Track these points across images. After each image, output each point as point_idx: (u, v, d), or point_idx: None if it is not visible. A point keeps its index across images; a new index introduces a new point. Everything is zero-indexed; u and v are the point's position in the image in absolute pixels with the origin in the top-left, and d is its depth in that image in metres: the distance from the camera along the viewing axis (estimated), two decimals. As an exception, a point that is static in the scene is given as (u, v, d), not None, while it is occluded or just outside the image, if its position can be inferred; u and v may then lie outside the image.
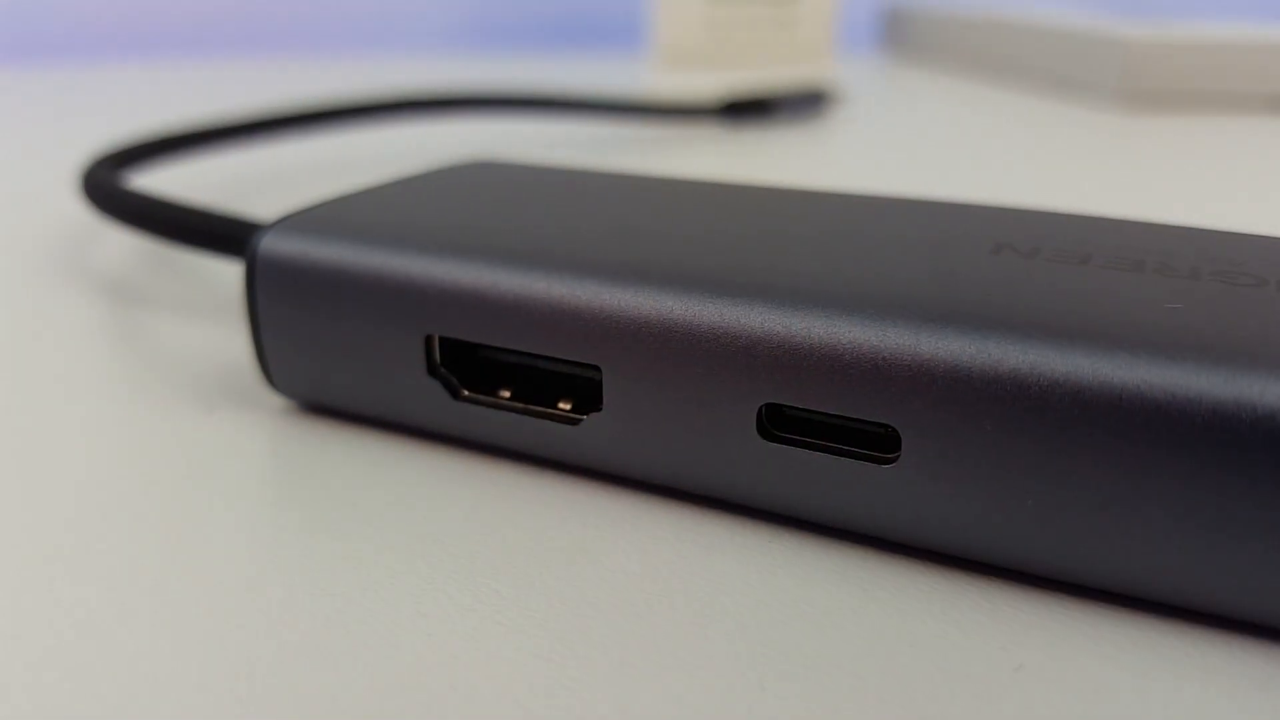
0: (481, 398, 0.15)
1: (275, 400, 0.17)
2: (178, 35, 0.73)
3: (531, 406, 0.15)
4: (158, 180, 0.29)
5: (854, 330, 0.12)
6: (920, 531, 0.12)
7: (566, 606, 0.12)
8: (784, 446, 0.13)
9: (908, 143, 0.44)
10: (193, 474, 0.15)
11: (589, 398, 0.14)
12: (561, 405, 0.14)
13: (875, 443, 0.12)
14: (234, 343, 0.20)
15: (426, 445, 0.16)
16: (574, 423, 0.14)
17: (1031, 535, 0.12)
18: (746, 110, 0.45)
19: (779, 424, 0.13)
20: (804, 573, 0.13)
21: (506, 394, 0.15)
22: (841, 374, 0.12)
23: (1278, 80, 0.51)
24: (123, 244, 0.27)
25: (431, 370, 0.15)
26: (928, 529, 0.12)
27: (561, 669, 0.11)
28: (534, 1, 0.76)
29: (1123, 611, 0.12)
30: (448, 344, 0.15)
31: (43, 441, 0.16)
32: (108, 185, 0.21)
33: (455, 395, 0.15)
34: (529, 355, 0.14)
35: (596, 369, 0.14)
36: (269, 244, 0.16)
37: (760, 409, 0.13)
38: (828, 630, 0.12)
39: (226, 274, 0.24)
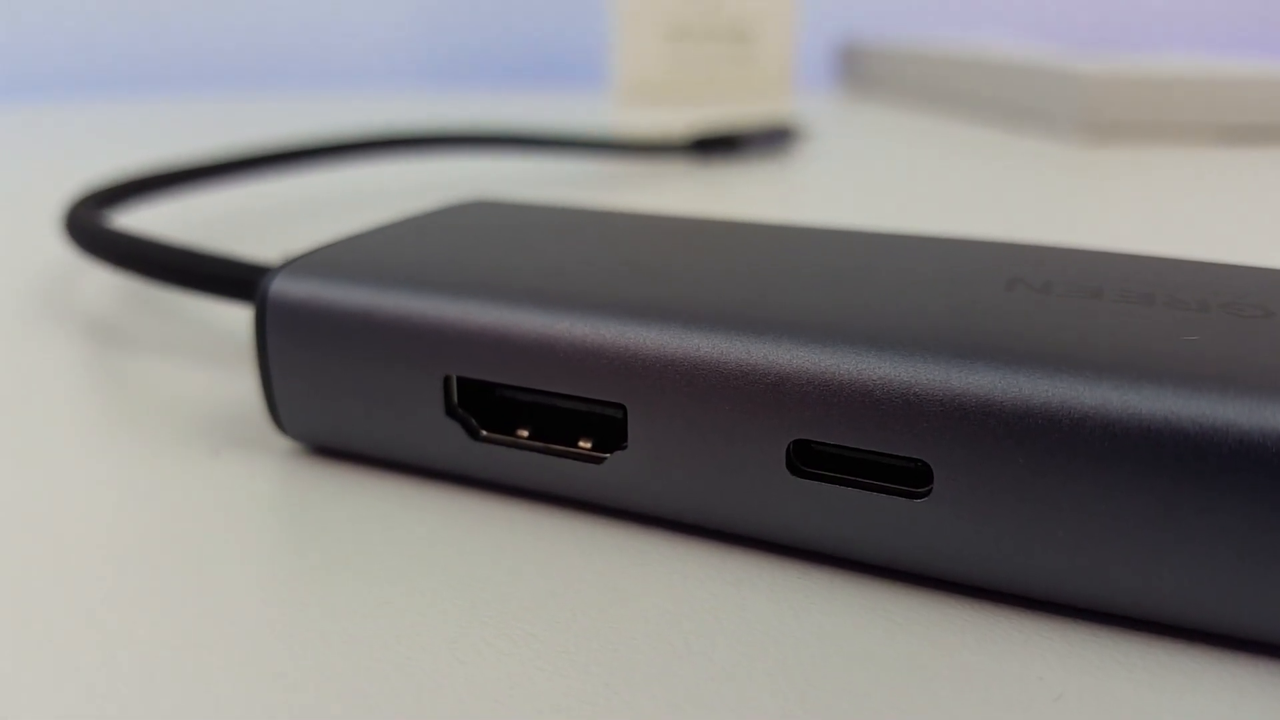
0: (501, 438, 0.15)
1: (282, 443, 0.17)
2: (138, 73, 0.73)
3: (553, 446, 0.14)
4: (138, 220, 0.29)
5: (884, 366, 0.12)
6: (952, 564, 0.13)
7: (605, 649, 0.12)
8: (814, 483, 0.13)
9: (876, 177, 0.44)
10: (206, 520, 0.15)
11: (611, 436, 0.14)
12: (582, 444, 0.14)
13: (906, 477, 0.13)
14: (230, 384, 0.19)
15: (443, 486, 0.16)
16: (597, 461, 0.14)
17: (1063, 565, 0.12)
18: (715, 147, 0.46)
19: (808, 460, 0.13)
20: (838, 609, 0.13)
21: (525, 433, 0.15)
22: (872, 409, 0.12)
23: (1230, 111, 0.53)
24: (105, 284, 0.26)
25: (450, 411, 0.15)
26: (959, 562, 0.12)
27: (608, 713, 0.11)
28: (495, 38, 0.77)
29: (1157, 638, 0.12)
30: (466, 384, 0.15)
31: (44, 490, 0.16)
32: (98, 226, 0.21)
33: (474, 436, 0.15)
34: (550, 394, 0.14)
35: (620, 407, 0.14)
36: (280, 287, 0.16)
37: (789, 445, 0.13)
38: (867, 666, 0.12)
39: (213, 314, 0.23)
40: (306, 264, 0.16)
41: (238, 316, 0.23)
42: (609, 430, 0.14)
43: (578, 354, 0.14)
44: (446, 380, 0.15)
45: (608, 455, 0.14)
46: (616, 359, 0.13)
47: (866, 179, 0.44)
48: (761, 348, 0.13)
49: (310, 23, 0.74)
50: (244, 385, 0.19)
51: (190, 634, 0.12)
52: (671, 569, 0.13)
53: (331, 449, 0.16)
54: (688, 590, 0.13)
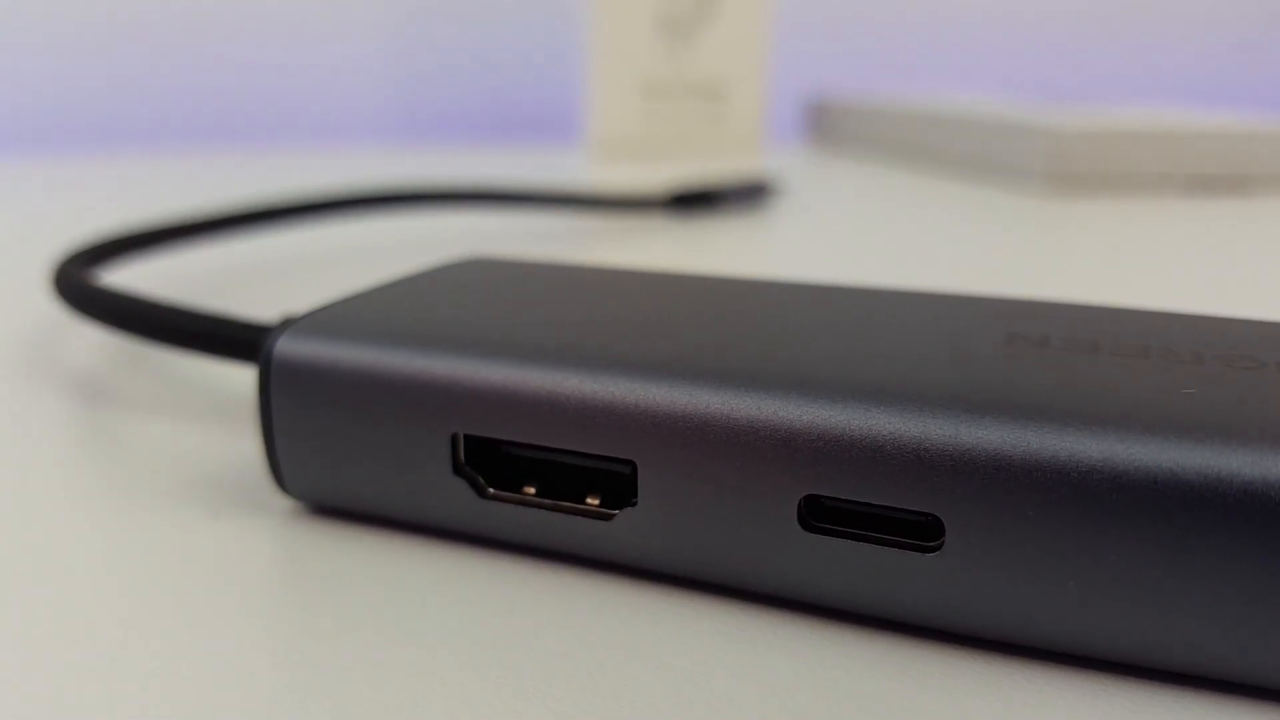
0: (508, 495, 0.15)
1: (283, 502, 0.17)
2: (123, 129, 0.73)
3: (561, 503, 0.15)
4: (127, 277, 0.29)
5: (894, 421, 0.12)
6: (965, 618, 0.13)
7: (626, 710, 0.12)
8: (826, 538, 0.13)
9: (852, 231, 0.45)
10: (207, 583, 0.14)
11: (619, 492, 0.14)
12: (590, 500, 0.14)
13: (917, 531, 0.13)
14: (225, 443, 0.19)
15: (450, 545, 0.16)
16: (606, 518, 0.14)
17: (1074, 617, 0.12)
18: (693, 202, 0.46)
19: (820, 515, 0.13)
20: (854, 665, 0.13)
21: (533, 491, 0.15)
22: (883, 464, 0.12)
23: (1195, 162, 0.54)
24: (93, 342, 0.26)
25: (457, 469, 0.15)
26: (972, 615, 0.13)
27: (632, 772, 0.11)
28: (473, 96, 0.77)
29: (1168, 688, 0.12)
30: (473, 442, 0.15)
31: (38, 554, 0.15)
32: (92, 285, 0.21)
33: (481, 494, 0.15)
34: (558, 451, 0.14)
35: (630, 463, 0.14)
36: (284, 347, 0.16)
37: (801, 500, 0.13)
38: (885, 720, 0.12)
39: (204, 372, 0.23)
40: (310, 324, 0.16)
41: (229, 374, 0.23)
42: (618, 487, 0.14)
43: (586, 410, 0.14)
44: (454, 438, 0.15)
45: (617, 512, 0.14)
46: (626, 415, 0.14)
47: (842, 233, 0.45)
48: (772, 403, 0.13)
49: (293, 81, 0.74)
50: (239, 444, 0.19)
51: (194, 699, 0.12)
52: (685, 626, 0.13)
53: (335, 508, 0.16)
54: (703, 648, 0.13)
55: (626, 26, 0.67)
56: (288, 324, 0.16)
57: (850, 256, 0.39)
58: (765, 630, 0.13)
